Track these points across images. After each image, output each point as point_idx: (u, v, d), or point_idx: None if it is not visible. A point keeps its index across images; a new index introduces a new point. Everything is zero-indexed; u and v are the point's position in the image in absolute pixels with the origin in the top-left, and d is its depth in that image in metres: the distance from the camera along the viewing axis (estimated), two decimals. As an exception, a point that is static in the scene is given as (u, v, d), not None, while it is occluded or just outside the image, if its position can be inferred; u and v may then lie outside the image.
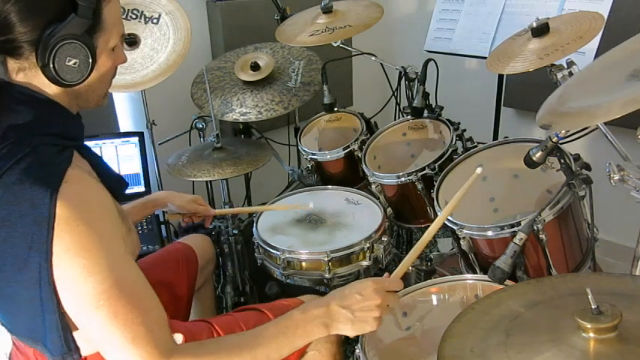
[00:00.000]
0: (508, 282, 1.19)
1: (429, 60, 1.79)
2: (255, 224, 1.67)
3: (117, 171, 1.63)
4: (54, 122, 0.93)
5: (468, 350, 0.83)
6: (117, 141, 2.05)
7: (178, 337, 0.99)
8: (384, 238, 1.55)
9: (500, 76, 2.15)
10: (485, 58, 1.69)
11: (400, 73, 1.95)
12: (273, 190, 2.35)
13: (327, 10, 1.88)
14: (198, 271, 1.53)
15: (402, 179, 1.64)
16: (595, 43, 1.58)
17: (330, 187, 1.85)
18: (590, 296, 0.76)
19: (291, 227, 1.66)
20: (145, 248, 1.84)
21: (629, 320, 0.75)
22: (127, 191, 1.11)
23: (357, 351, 1.11)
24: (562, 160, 1.23)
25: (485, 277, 1.21)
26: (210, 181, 2.26)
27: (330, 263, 1.48)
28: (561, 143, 1.23)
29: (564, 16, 1.51)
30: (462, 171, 1.50)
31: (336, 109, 2.06)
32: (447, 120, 1.77)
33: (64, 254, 0.83)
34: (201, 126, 2.10)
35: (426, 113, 1.83)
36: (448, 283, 1.27)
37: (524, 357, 0.78)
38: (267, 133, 2.36)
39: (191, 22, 1.89)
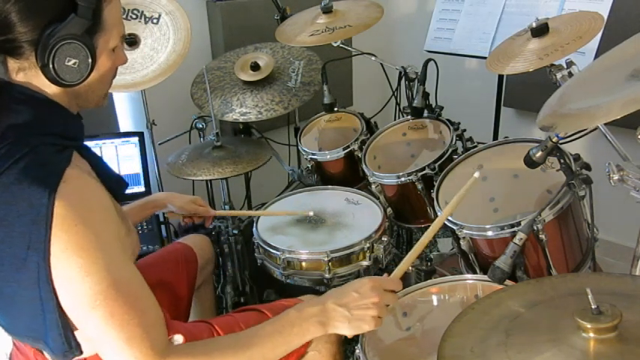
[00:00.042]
0: (508, 282, 1.19)
1: (429, 60, 1.79)
2: (255, 224, 1.67)
3: (117, 171, 1.64)
4: (53, 122, 0.93)
5: (468, 350, 0.83)
6: (117, 141, 2.05)
7: (179, 338, 0.99)
8: (384, 238, 1.55)
9: (500, 76, 2.15)
10: (485, 58, 1.69)
11: (400, 73, 1.95)
12: (273, 190, 2.35)
13: (327, 10, 1.88)
14: (198, 271, 1.53)
15: (402, 179, 1.64)
16: (595, 43, 1.58)
17: (330, 187, 1.85)
18: (590, 296, 0.76)
19: (291, 227, 1.66)
20: (144, 248, 1.84)
21: (629, 320, 0.75)
22: (127, 191, 1.11)
23: (357, 351, 1.11)
24: (562, 160, 1.23)
25: (485, 277, 1.21)
26: (210, 181, 2.26)
27: (330, 263, 1.48)
28: (561, 143, 1.23)
29: (564, 16, 1.51)
30: (462, 171, 1.50)
31: (336, 109, 2.06)
32: (447, 120, 1.77)
33: (62, 254, 0.83)
34: (201, 126, 2.10)
35: (426, 113, 1.83)
36: (448, 283, 1.27)
37: (524, 357, 0.78)
38: (267, 133, 2.36)
39: (191, 22, 1.89)
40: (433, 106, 1.84)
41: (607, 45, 1.22)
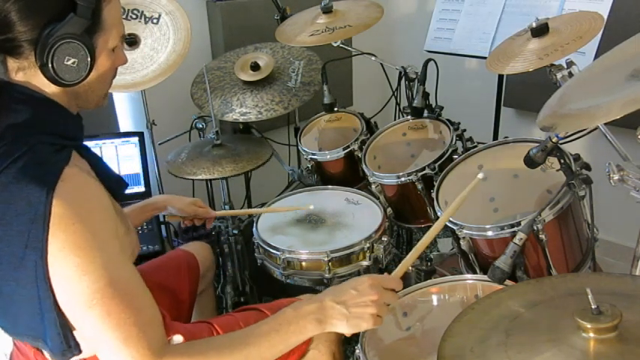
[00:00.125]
0: (508, 282, 1.19)
1: (429, 60, 1.79)
2: (255, 224, 1.67)
3: (117, 171, 1.64)
4: (53, 122, 0.93)
5: (467, 350, 0.83)
6: (117, 141, 2.05)
7: (178, 338, 0.99)
8: (384, 238, 1.55)
9: (500, 76, 2.15)
10: (485, 58, 1.69)
11: (400, 73, 1.95)
12: (273, 190, 2.35)
13: (327, 10, 1.88)
14: (200, 277, 1.54)
15: (402, 179, 1.64)
16: (595, 43, 1.58)
17: (330, 187, 1.85)
18: (590, 296, 0.76)
19: (291, 227, 1.66)
20: (144, 248, 1.84)
21: (629, 320, 0.75)
22: (127, 191, 1.11)
23: (357, 351, 1.10)
24: (562, 160, 1.23)
25: (485, 277, 1.21)
26: (210, 181, 2.26)
27: (330, 263, 1.48)
28: (561, 143, 1.23)
29: (564, 16, 1.51)
30: (462, 171, 1.50)
31: (336, 109, 2.06)
32: (447, 120, 1.77)
33: (59, 252, 0.83)
34: (201, 126, 2.10)
35: (426, 113, 1.83)
36: (448, 283, 1.27)
37: (524, 357, 0.78)
38: (267, 133, 2.36)
39: (191, 22, 1.89)
40: (433, 106, 1.84)
41: (607, 45, 1.22)
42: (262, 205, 1.89)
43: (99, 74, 0.96)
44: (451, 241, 1.79)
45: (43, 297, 0.86)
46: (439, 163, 1.60)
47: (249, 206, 2.47)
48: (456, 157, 1.57)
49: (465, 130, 1.75)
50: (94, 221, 0.87)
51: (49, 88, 0.93)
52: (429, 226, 1.16)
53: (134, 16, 1.85)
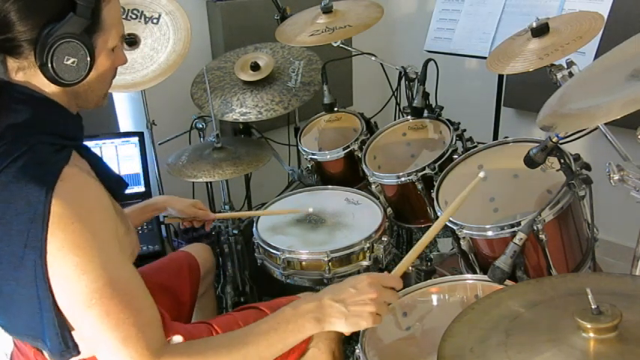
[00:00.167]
0: (508, 282, 1.19)
1: (429, 60, 1.79)
2: (255, 224, 1.67)
3: (117, 171, 1.64)
4: (53, 121, 0.93)
5: (467, 350, 0.83)
6: (117, 141, 2.05)
7: (178, 339, 0.99)
8: (384, 238, 1.55)
9: (500, 76, 2.15)
10: (485, 58, 1.69)
11: (400, 73, 1.95)
12: (273, 190, 2.35)
13: (327, 10, 1.87)
14: (201, 279, 1.54)
15: (402, 179, 1.64)
16: (595, 43, 1.58)
17: (330, 187, 1.85)
18: (590, 296, 0.76)
19: (291, 227, 1.66)
20: (144, 248, 1.84)
21: (629, 320, 0.75)
22: (127, 191, 1.11)
23: (357, 351, 1.10)
24: (562, 160, 1.23)
25: (485, 277, 1.21)
26: (210, 182, 2.26)
27: (330, 263, 1.48)
28: (561, 143, 1.23)
29: (564, 16, 1.51)
30: (462, 171, 1.50)
31: (336, 109, 2.06)
32: (447, 120, 1.77)
33: (58, 252, 0.83)
34: (201, 126, 2.10)
35: (426, 113, 1.83)
36: (448, 283, 1.27)
37: (524, 357, 0.78)
38: (267, 133, 2.36)
39: (191, 22, 1.89)
40: (433, 106, 1.84)
41: (607, 45, 1.22)
42: (262, 205, 1.89)
43: (99, 74, 0.96)
44: (451, 241, 1.79)
45: (43, 297, 0.86)
46: (439, 163, 1.60)
47: (249, 206, 2.47)
48: (456, 157, 1.57)
49: (465, 130, 1.75)
50: (94, 221, 0.87)
51: (48, 88, 0.93)
52: (429, 226, 1.15)
53: (134, 16, 1.85)
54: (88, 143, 1.07)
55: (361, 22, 1.82)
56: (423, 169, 1.61)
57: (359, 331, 1.12)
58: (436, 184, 1.47)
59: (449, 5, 2.10)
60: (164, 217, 1.57)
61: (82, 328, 0.89)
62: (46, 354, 0.98)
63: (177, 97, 2.26)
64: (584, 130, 1.25)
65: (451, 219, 1.33)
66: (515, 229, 1.22)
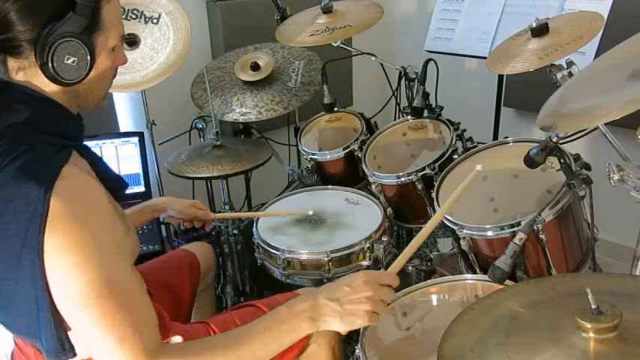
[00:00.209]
0: (508, 282, 1.19)
1: (429, 60, 1.79)
2: (255, 224, 1.67)
3: (117, 171, 1.64)
4: (53, 121, 0.93)
5: (467, 350, 0.83)
6: (117, 141, 2.05)
7: (177, 339, 0.98)
8: (384, 238, 1.55)
9: (500, 76, 2.15)
10: (485, 58, 1.69)
11: (400, 73, 1.95)
12: (273, 190, 2.35)
13: (327, 10, 1.88)
14: (201, 277, 1.54)
15: (402, 179, 1.64)
16: (595, 43, 1.58)
17: (330, 187, 1.85)
18: (590, 296, 0.75)
19: (291, 227, 1.66)
20: (144, 248, 1.84)
21: (629, 320, 0.75)
22: (127, 191, 1.10)
23: (357, 351, 1.10)
24: (562, 160, 1.23)
25: (485, 277, 1.21)
26: (210, 182, 2.26)
27: (330, 263, 1.48)
28: (561, 143, 1.23)
29: (564, 16, 1.51)
30: (462, 171, 1.50)
31: (336, 109, 2.06)
32: (447, 120, 1.77)
33: (56, 251, 0.83)
34: (201, 126, 2.10)
35: (426, 113, 1.83)
36: (448, 283, 1.27)
37: (524, 357, 0.78)
38: (267, 133, 2.36)
39: (191, 22, 1.89)
40: (433, 106, 1.84)
41: (607, 45, 1.22)
42: (262, 205, 1.89)
43: (99, 73, 0.96)
44: (451, 241, 1.79)
45: (40, 297, 0.85)
46: (439, 163, 1.61)
47: (249, 206, 2.47)
48: (456, 157, 1.57)
49: (465, 130, 1.75)
50: (93, 221, 0.86)
51: (49, 88, 0.93)
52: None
53: (134, 16, 1.85)
54: (88, 143, 1.07)
55: (361, 22, 1.82)
56: (423, 169, 1.61)
57: (359, 331, 1.12)
58: (436, 184, 1.47)
59: (449, 5, 2.10)
60: (164, 217, 1.57)
61: (78, 328, 0.89)
62: (44, 352, 0.98)
63: (177, 97, 2.26)
64: (584, 130, 1.25)
65: (451, 219, 1.33)
66: (515, 229, 1.22)
